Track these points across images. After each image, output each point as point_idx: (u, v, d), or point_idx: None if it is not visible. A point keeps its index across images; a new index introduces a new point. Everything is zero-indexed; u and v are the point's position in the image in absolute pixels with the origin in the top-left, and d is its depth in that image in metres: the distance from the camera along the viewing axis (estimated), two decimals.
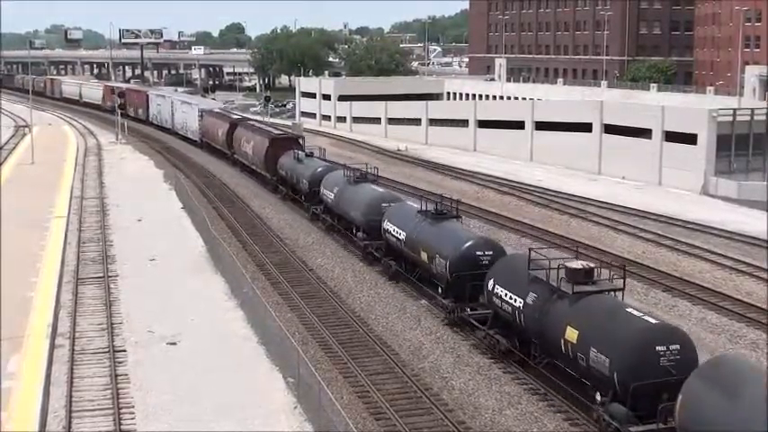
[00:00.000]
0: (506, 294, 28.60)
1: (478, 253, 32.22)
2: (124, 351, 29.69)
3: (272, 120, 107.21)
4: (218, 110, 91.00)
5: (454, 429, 24.69)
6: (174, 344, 30.49)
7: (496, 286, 29.24)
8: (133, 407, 25.22)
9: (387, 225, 39.00)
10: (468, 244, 32.64)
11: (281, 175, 58.55)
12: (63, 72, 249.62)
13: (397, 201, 41.86)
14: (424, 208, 36.91)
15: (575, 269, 26.54)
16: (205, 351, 29.68)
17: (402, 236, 37.24)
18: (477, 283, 30.99)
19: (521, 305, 27.69)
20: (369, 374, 28.48)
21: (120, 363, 28.57)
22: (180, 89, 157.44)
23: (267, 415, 24.59)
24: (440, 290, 34.22)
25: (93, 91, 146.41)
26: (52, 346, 29.28)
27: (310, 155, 56.19)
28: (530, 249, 29.62)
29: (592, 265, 27.19)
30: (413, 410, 25.89)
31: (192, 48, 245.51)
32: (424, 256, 34.98)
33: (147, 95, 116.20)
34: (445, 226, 35.40)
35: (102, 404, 25.40)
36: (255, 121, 79.91)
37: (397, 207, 40.23)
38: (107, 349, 29.72)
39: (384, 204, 41.18)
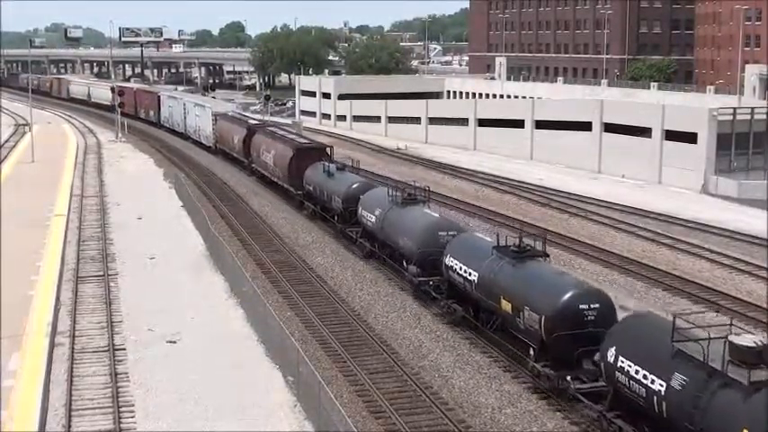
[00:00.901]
0: (637, 371, 21.94)
1: (582, 306, 25.94)
2: (124, 349, 29.69)
3: (272, 118, 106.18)
4: (233, 113, 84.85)
5: (454, 428, 24.70)
6: (174, 342, 30.49)
7: (620, 358, 22.59)
8: (133, 405, 25.22)
9: (450, 261, 32.79)
10: (568, 295, 26.17)
11: (308, 190, 52.21)
12: (63, 71, 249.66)
13: (457, 229, 35.98)
14: (500, 242, 30.76)
15: (746, 347, 19.53)
16: (205, 350, 29.68)
17: (473, 277, 30.94)
18: (584, 346, 25.25)
19: (661, 389, 21.04)
20: (369, 373, 28.49)
21: (119, 361, 28.57)
22: (180, 88, 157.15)
23: (267, 413, 24.59)
24: (531, 351, 27.56)
25: (102, 91, 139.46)
26: (52, 345, 29.28)
27: (342, 168, 49.75)
28: (674, 316, 21.99)
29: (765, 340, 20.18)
30: (413, 409, 25.90)
31: (173, 46, 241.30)
32: (505, 306, 28.62)
33: (159, 97, 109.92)
34: (532, 269, 28.90)
35: (101, 403, 25.40)
36: (276, 126, 71.89)
37: (464, 240, 33.94)
38: (107, 348, 29.72)
39: (442, 233, 35.38)
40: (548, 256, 30.53)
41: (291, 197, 56.11)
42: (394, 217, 38.84)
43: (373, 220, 40.78)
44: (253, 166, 67.40)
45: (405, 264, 37.48)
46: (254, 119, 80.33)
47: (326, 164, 50.84)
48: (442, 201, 57.00)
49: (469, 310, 32.32)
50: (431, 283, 34.87)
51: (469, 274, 31.25)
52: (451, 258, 32.86)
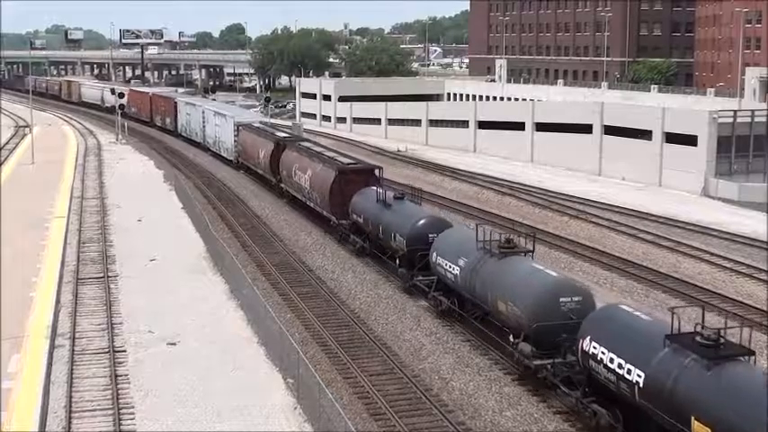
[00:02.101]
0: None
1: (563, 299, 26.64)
2: (124, 351, 29.66)
3: (272, 120, 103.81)
4: (259, 124, 73.81)
5: (454, 430, 24.69)
6: (175, 344, 30.48)
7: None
8: (133, 407, 25.20)
9: (594, 347, 23.57)
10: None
11: (356, 220, 44.05)
12: (64, 72, 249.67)
13: (584, 294, 27.12)
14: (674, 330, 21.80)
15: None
16: (205, 352, 29.66)
17: (639, 379, 21.71)
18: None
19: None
20: (369, 375, 28.48)
21: (120, 363, 28.54)
22: (180, 90, 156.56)
23: (267, 415, 24.57)
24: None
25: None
26: (52, 347, 29.26)
27: (401, 197, 41.04)
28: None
29: None
30: (413, 411, 25.88)
31: (148, 48, 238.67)
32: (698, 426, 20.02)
33: (176, 103, 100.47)
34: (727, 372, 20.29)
35: (102, 404, 25.38)
36: (312, 142, 62.60)
37: (611, 315, 24.58)
38: (107, 349, 29.70)
39: (564, 300, 26.54)
40: (753, 353, 21.77)
41: (332, 228, 47.83)
42: (488, 272, 30.16)
43: (456, 272, 32.08)
44: (282, 186, 58.59)
45: (510, 336, 28.61)
46: (284, 131, 71.56)
47: (380, 191, 42.03)
48: (442, 203, 57.02)
49: (618, 413, 23.58)
50: (554, 368, 26.24)
51: (629, 372, 22.17)
52: (596, 345, 23.56)
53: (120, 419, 24.30)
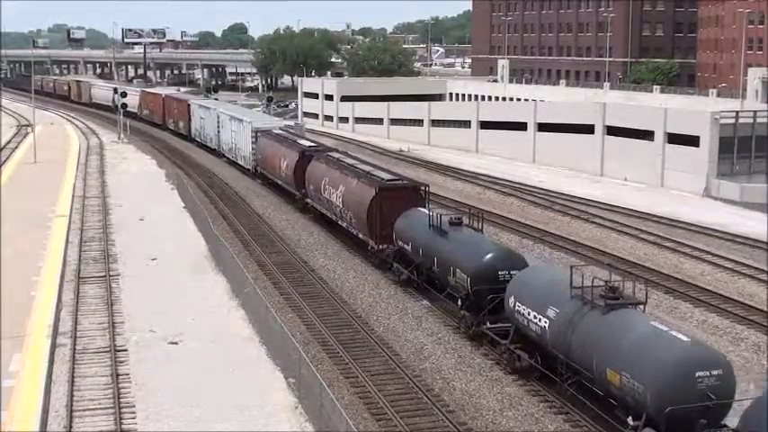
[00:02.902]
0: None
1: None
2: (125, 350, 29.67)
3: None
4: (280, 131, 66.94)
5: (455, 430, 24.68)
6: (176, 343, 30.48)
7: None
8: (134, 406, 25.20)
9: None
10: None
11: (401, 248, 37.90)
12: (66, 71, 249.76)
13: (724, 366, 21.72)
14: None
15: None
16: (206, 351, 29.67)
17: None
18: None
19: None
20: (370, 375, 28.48)
21: (121, 362, 28.55)
22: (182, 89, 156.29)
23: (268, 415, 24.58)
24: None
25: (129, 97, 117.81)
26: (53, 345, 29.29)
27: (458, 222, 34.69)
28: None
29: None
30: (414, 411, 25.87)
31: (133, 47, 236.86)
32: None
33: (189, 105, 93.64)
34: None
35: (103, 404, 25.38)
36: (341, 153, 54.77)
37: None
38: (108, 348, 29.71)
39: (702, 375, 21.19)
40: None
41: (371, 252, 41.56)
42: (590, 329, 24.45)
43: (544, 324, 26.38)
44: (308, 201, 52.75)
45: (630, 420, 22.51)
46: (309, 139, 64.76)
47: (433, 214, 36.16)
48: (444, 203, 57.00)
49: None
50: None
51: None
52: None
53: (121, 419, 24.30)
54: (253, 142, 67.65)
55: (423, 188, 41.85)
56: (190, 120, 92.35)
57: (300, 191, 53.92)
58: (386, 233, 39.71)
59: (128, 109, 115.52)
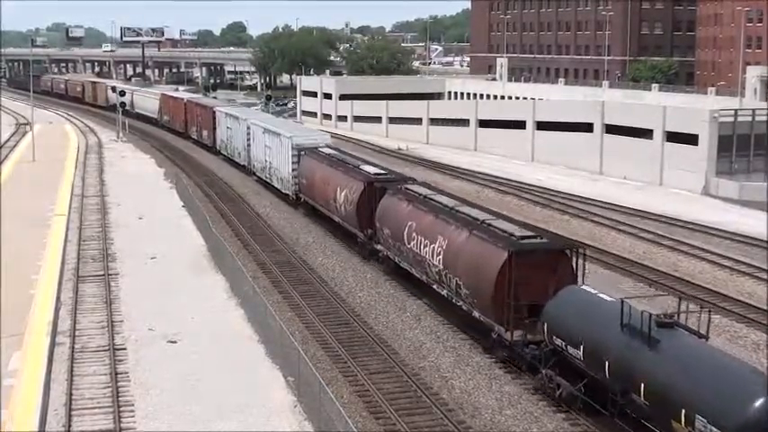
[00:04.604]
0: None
1: None
2: (124, 349, 29.69)
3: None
4: (329, 149, 54.05)
5: (454, 429, 24.69)
6: (175, 342, 30.49)
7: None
8: (133, 405, 25.21)
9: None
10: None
11: (560, 348, 25.43)
12: (64, 70, 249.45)
13: None
14: None
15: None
16: (205, 350, 29.68)
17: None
18: None
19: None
20: (369, 373, 28.49)
21: (120, 361, 28.57)
22: (181, 88, 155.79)
23: (267, 414, 24.59)
24: None
25: (148, 100, 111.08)
26: (53, 344, 29.29)
27: (670, 323, 22.47)
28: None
29: None
30: (413, 410, 25.88)
31: (102, 45, 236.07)
32: None
33: (214, 113, 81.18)
34: None
35: (102, 402, 25.40)
36: (424, 185, 41.86)
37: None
38: (107, 347, 29.72)
39: None
40: None
41: (497, 342, 29.36)
42: None
43: None
44: (380, 250, 40.01)
45: None
46: (372, 163, 50.40)
47: (627, 307, 23.08)
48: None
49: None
50: None
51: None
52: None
53: (120, 417, 24.31)
54: (294, 162, 54.76)
55: (578, 249, 29.14)
56: (215, 129, 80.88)
57: (365, 231, 42.20)
58: (521, 318, 27.86)
59: (147, 114, 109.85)
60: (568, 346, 24.88)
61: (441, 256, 32.51)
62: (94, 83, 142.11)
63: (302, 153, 53.86)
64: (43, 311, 32.10)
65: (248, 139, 68.01)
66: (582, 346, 24.24)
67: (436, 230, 33.37)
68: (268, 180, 62.18)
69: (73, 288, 36.54)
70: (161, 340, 30.63)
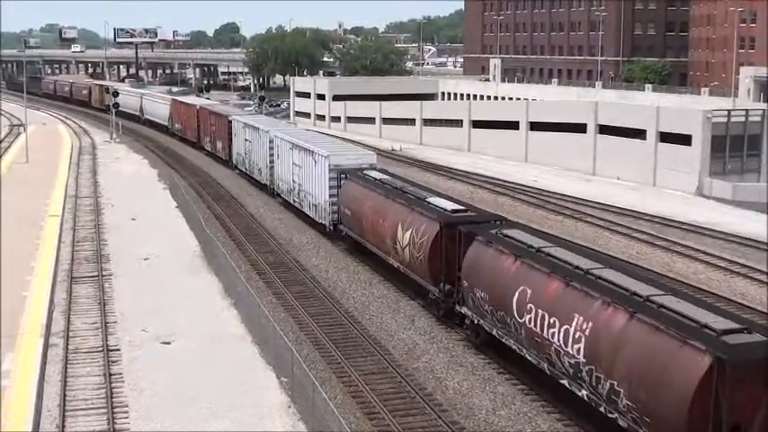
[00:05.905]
0: None
1: None
2: (118, 350, 29.63)
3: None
4: (380, 173, 44.15)
5: (448, 429, 24.69)
6: (169, 343, 30.45)
7: None
8: (127, 406, 25.17)
9: None
10: None
11: None
12: (58, 71, 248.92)
13: None
14: None
15: None
16: (199, 350, 29.64)
17: None
18: None
19: None
20: (362, 374, 28.47)
21: (114, 362, 28.51)
22: (174, 89, 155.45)
23: (261, 414, 24.56)
24: None
25: (159, 106, 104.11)
26: (46, 345, 29.21)
27: None
28: None
29: None
30: (406, 410, 25.87)
31: (71, 46, 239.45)
32: None
33: (230, 122, 71.59)
34: None
35: (95, 403, 25.35)
36: (526, 229, 32.62)
37: None
38: (101, 348, 29.66)
39: None
40: None
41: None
42: None
43: None
44: (466, 313, 30.77)
45: None
46: (445, 195, 39.51)
47: None
48: None
49: None
50: None
51: None
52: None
53: (113, 418, 24.27)
54: (333, 186, 45.55)
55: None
56: (230, 141, 71.61)
57: (440, 286, 32.81)
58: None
59: (157, 121, 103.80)
60: None
61: (581, 346, 23.00)
62: (102, 87, 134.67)
63: (344, 177, 44.59)
64: (37, 313, 32.00)
65: (271, 155, 58.43)
66: None
67: (569, 305, 23.97)
68: (297, 205, 52.54)
69: (66, 289, 36.47)
70: (155, 341, 30.58)
